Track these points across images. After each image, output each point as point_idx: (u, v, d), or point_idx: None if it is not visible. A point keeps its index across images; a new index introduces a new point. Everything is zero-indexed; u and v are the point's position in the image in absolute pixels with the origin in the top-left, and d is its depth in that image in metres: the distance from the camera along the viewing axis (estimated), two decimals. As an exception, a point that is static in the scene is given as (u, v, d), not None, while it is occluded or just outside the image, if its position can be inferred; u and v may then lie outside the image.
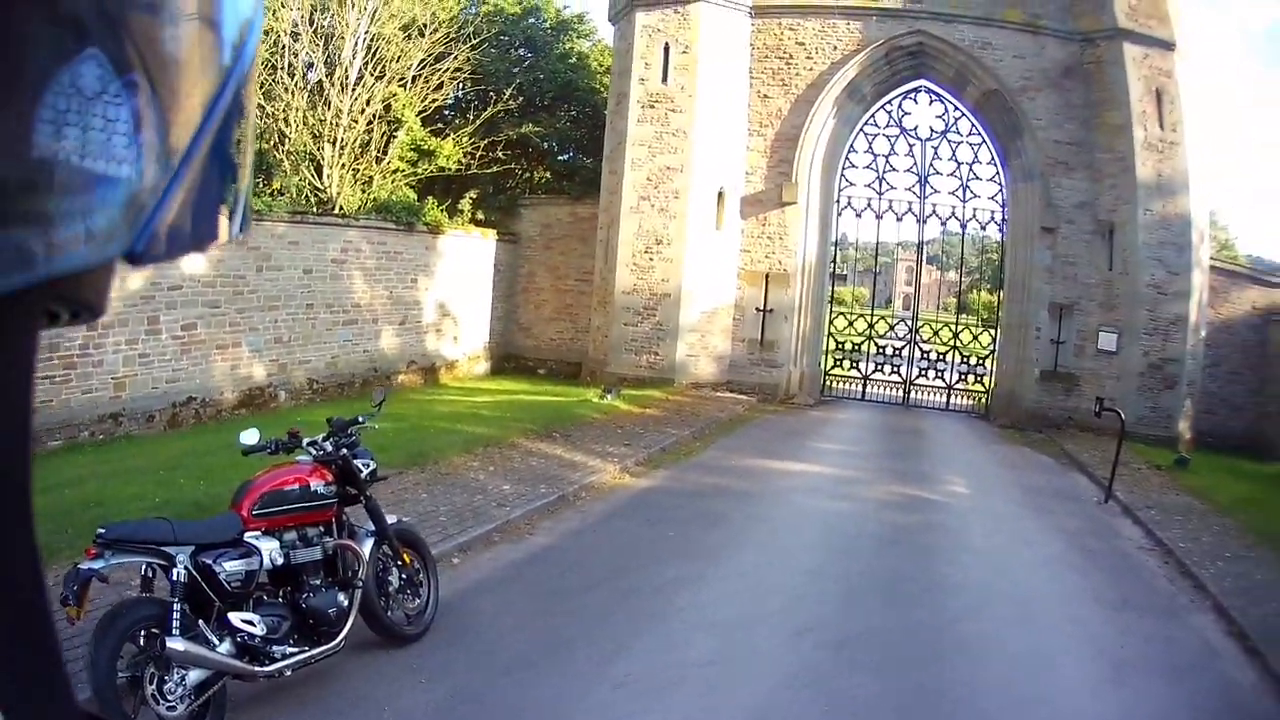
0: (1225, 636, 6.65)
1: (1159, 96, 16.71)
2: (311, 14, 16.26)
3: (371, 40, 16.35)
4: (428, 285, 16.73)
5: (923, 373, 19.10)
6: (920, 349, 19.32)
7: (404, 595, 5.13)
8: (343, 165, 16.21)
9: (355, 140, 16.33)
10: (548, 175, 22.01)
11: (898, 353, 19.21)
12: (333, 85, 16.01)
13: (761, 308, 17.39)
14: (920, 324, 19.93)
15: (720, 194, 17.42)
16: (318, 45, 16.14)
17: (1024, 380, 17.37)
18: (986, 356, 19.05)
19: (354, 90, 16.14)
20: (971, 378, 19.16)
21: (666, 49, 17.24)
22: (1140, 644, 6.26)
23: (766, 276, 17.36)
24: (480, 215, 18.46)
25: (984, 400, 18.58)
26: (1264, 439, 18.68)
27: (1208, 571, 8.19)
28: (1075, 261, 17.17)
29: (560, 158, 22.19)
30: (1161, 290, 16.57)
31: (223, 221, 0.50)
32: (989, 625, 6.29)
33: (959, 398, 18.89)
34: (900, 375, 19.04)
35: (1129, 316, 16.68)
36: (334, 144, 16.08)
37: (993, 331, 19.00)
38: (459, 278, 17.63)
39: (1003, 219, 18.52)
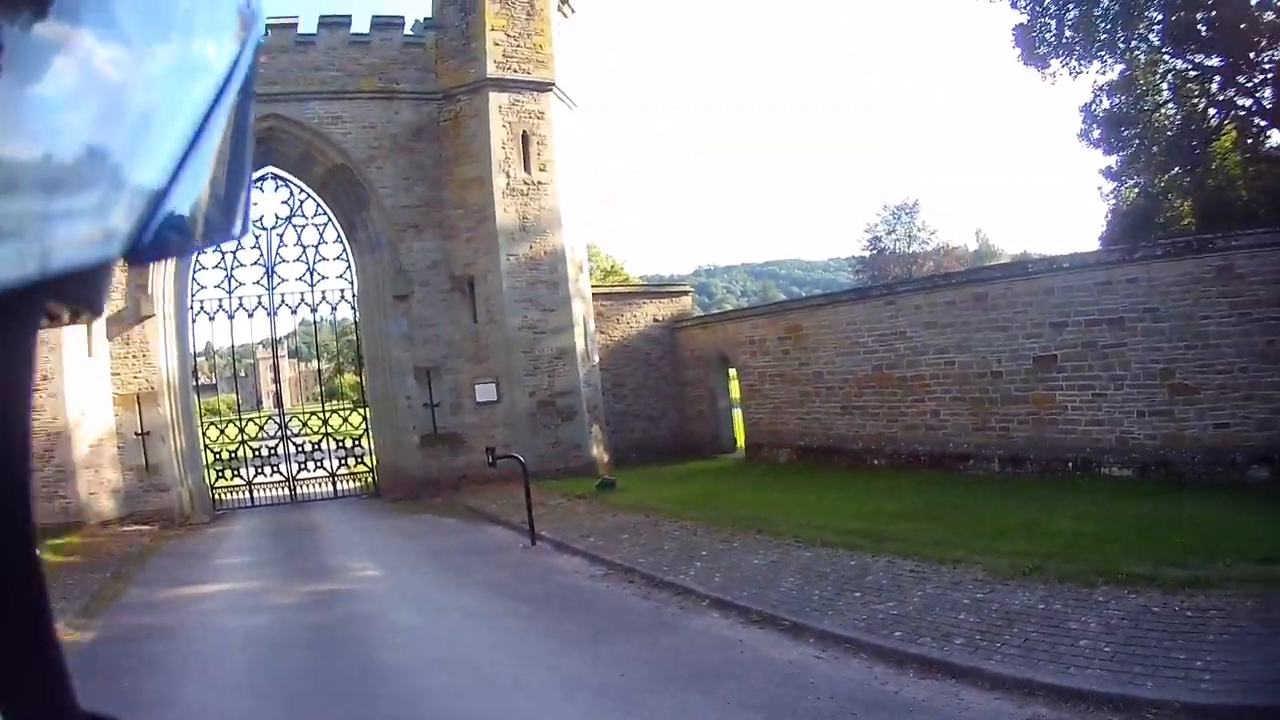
0: (746, 626, 6.95)
1: (525, 140, 17.34)
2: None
3: None
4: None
5: (302, 466, 19.01)
6: (294, 444, 19.20)
7: None
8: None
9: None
10: None
11: (273, 452, 19.06)
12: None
13: (140, 431, 16.31)
14: (289, 418, 19.86)
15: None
16: None
17: (405, 450, 17.54)
18: (362, 435, 19.36)
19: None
20: (353, 460, 19.45)
21: None
22: (635, 665, 6.22)
23: (138, 397, 16.34)
24: None
25: (370, 479, 18.77)
26: (693, 438, 20.53)
27: (688, 574, 8.45)
28: (435, 323, 17.52)
29: None
30: (537, 329, 17.32)
31: (223, 222, 0.51)
32: (451, 701, 5.90)
33: (345, 482, 19.05)
34: (282, 473, 18.90)
35: (505, 363, 17.26)
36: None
37: (364, 410, 19.30)
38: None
39: (354, 295, 18.65)
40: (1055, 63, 21.24)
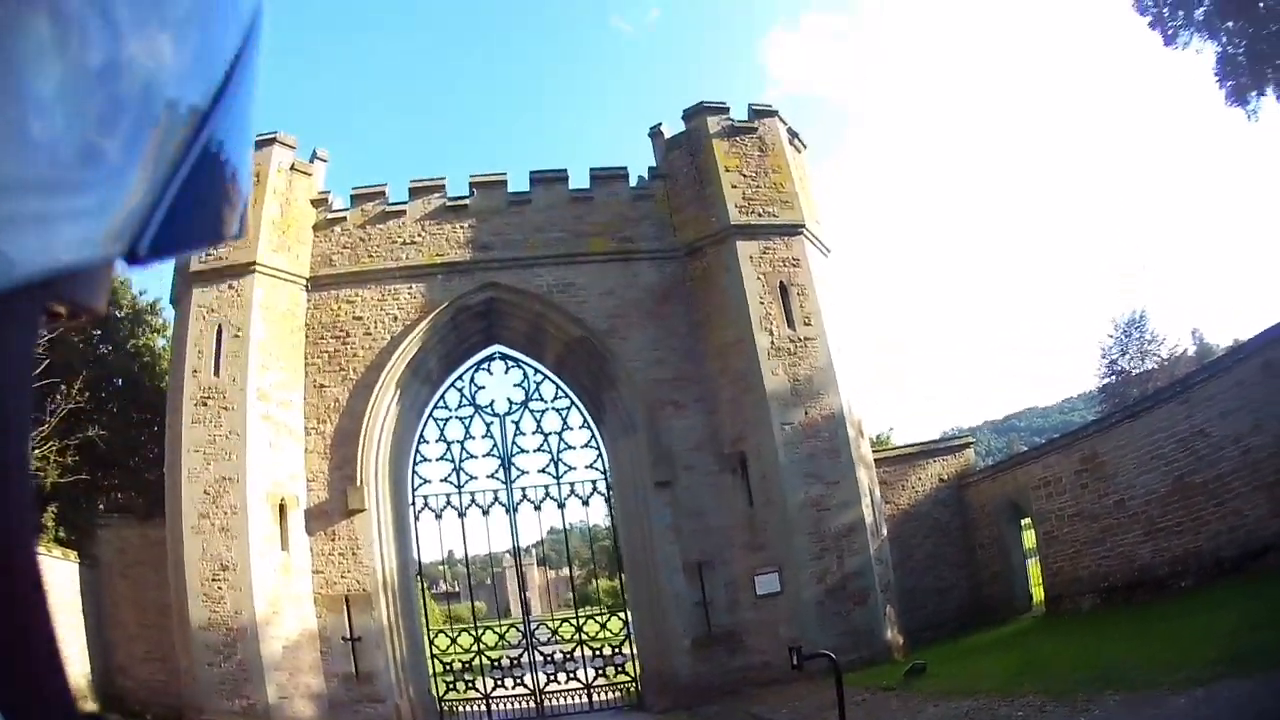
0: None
1: (784, 292, 15.46)
2: None
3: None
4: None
5: (552, 677, 16.60)
6: (541, 653, 16.91)
7: None
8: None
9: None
10: (120, 489, 19.37)
11: (516, 662, 16.68)
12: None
13: (349, 636, 14.48)
14: (536, 625, 17.70)
15: (283, 506, 14.66)
16: None
17: (674, 655, 15.08)
18: (623, 642, 16.84)
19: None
20: (612, 669, 16.81)
21: (219, 333, 14.74)
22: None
23: (347, 599, 14.65)
24: (62, 533, 15.83)
25: (633, 689, 16.25)
26: (987, 603, 17.49)
27: None
28: (703, 509, 15.27)
29: (135, 470, 19.41)
30: (821, 505, 14.87)
31: (223, 223, 0.51)
32: None
33: (603, 693, 16.57)
34: (527, 685, 16.50)
35: (787, 548, 14.80)
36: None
37: (623, 615, 17.15)
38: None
39: (607, 486, 16.60)
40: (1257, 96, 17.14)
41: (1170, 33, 17.46)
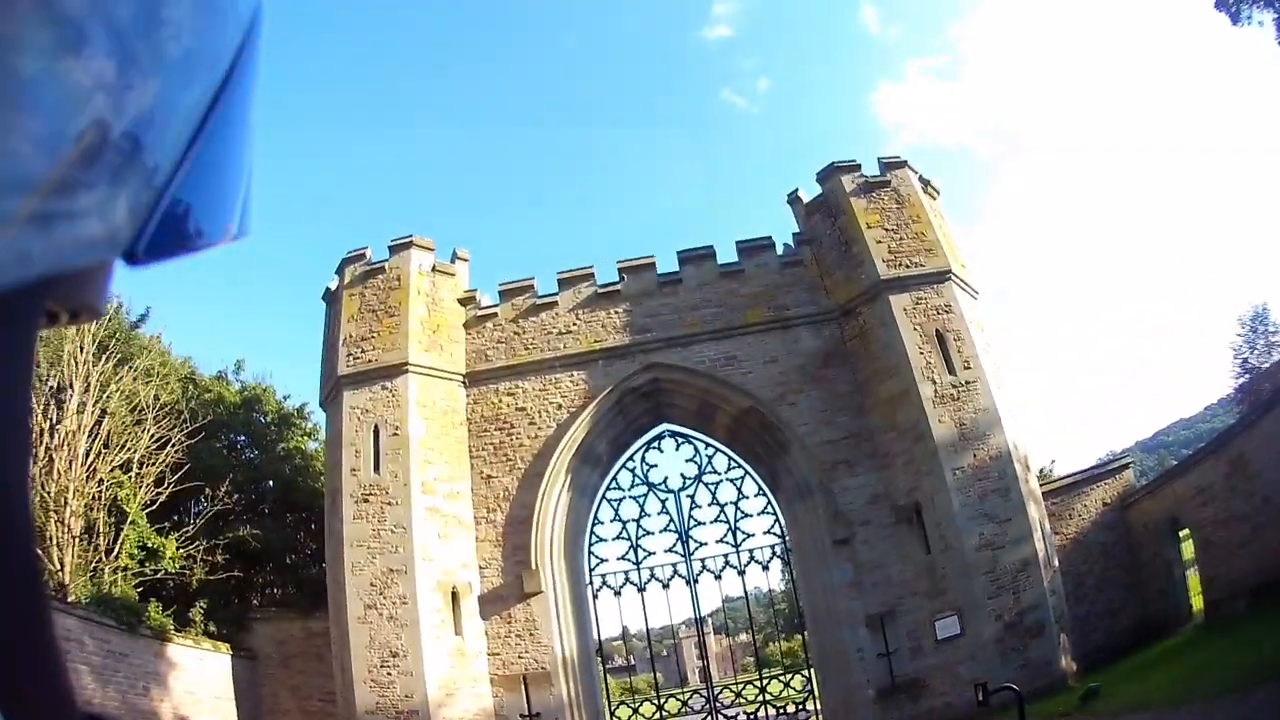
0: None
1: (941, 339, 15.69)
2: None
3: (100, 414, 15.39)
4: (162, 696, 14.37)
5: None
6: (724, 716, 16.98)
7: None
8: (73, 549, 14.80)
9: (80, 523, 15.05)
10: (276, 586, 20.20)
11: None
12: (59, 451, 14.72)
13: (526, 714, 14.79)
14: (718, 690, 17.86)
15: (454, 593, 15.19)
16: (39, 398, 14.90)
17: (858, 707, 15.28)
18: (806, 699, 16.96)
19: (84, 462, 14.98)
20: None
21: (377, 432, 15.47)
22: None
23: (524, 679, 15.04)
24: (212, 628, 16.49)
25: None
26: (1153, 620, 17.60)
27: None
28: (882, 563, 15.50)
29: (292, 567, 20.30)
30: (995, 545, 14.97)
31: (225, 223, 0.50)
32: None
33: None
34: None
35: (966, 590, 14.94)
36: (61, 522, 14.59)
37: (804, 673, 17.18)
38: (195, 694, 15.20)
39: (785, 549, 16.89)
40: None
41: (1234, 10, 17.39)
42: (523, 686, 15.03)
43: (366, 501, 15.18)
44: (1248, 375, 38.16)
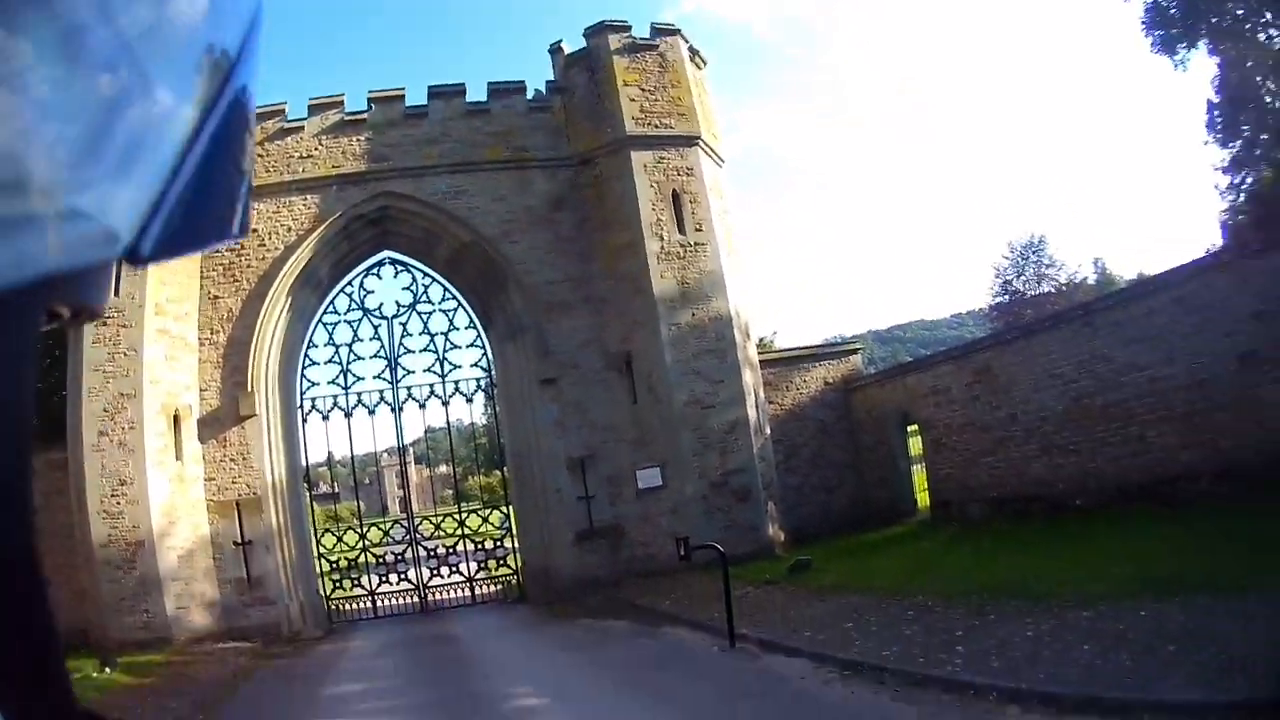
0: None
1: (676, 200, 15.91)
2: None
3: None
4: None
5: (435, 572, 17.21)
6: (425, 549, 17.42)
7: None
8: None
9: None
10: None
11: (400, 558, 17.22)
12: None
13: (240, 540, 14.87)
14: (419, 521, 18.12)
15: (176, 416, 14.82)
16: None
17: (556, 549, 15.77)
18: (504, 536, 17.50)
19: None
20: (493, 563, 17.52)
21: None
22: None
23: (238, 504, 14.97)
24: None
25: (515, 581, 16.99)
26: (873, 505, 18.18)
27: (954, 664, 6.62)
28: (588, 406, 15.91)
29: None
30: (705, 404, 15.53)
31: (224, 222, 0.50)
32: None
33: (485, 587, 17.33)
34: (411, 580, 17.10)
35: (671, 444, 15.46)
36: None
37: (503, 509, 17.64)
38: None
39: (490, 384, 17.19)
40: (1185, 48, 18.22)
41: None
42: (236, 511, 14.94)
43: (105, 325, 14.52)
44: (1008, 296, 40.18)
